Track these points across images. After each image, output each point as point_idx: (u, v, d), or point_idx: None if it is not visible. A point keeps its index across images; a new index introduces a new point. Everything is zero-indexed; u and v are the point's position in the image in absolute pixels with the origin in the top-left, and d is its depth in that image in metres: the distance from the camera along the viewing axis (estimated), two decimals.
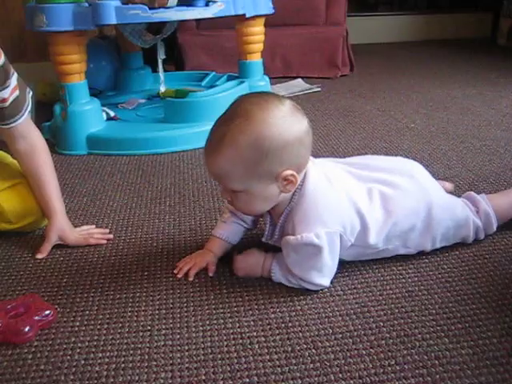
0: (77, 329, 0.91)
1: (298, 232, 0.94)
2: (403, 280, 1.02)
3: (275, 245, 1.04)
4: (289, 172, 0.91)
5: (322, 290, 0.98)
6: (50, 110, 1.94)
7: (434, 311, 0.93)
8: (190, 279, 1.04)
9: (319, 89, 2.58)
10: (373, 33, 3.92)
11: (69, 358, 0.85)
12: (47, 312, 0.92)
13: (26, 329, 0.88)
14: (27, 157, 1.20)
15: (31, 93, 1.22)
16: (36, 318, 0.91)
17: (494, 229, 1.14)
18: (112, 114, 1.96)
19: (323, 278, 0.97)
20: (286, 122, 0.89)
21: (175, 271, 1.07)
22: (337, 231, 0.96)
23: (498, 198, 1.19)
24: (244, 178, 0.91)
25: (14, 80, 1.14)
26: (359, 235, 1.00)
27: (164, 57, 2.16)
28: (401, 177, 1.06)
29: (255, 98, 0.93)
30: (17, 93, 1.15)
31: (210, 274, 1.05)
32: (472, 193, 1.18)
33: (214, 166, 0.93)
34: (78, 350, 0.86)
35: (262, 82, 2.10)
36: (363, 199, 1.01)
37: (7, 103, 1.13)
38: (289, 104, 0.92)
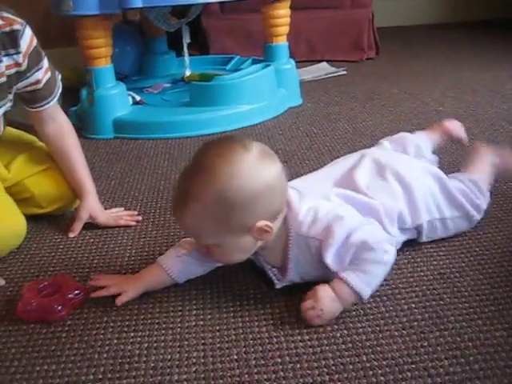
0: (109, 309, 0.92)
1: (329, 245, 0.87)
2: (434, 262, 1.01)
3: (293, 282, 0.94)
4: (262, 223, 0.84)
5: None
6: (75, 95, 1.95)
7: (466, 293, 0.92)
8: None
9: (345, 72, 2.56)
10: (398, 15, 3.85)
11: (102, 336, 0.86)
12: (78, 291, 0.94)
13: (59, 307, 0.89)
14: (57, 139, 1.21)
15: (60, 75, 1.23)
16: (68, 296, 0.92)
17: (486, 192, 1.13)
18: (138, 98, 1.96)
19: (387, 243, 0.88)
20: (252, 171, 0.83)
21: (91, 278, 0.99)
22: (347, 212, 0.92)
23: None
24: (215, 233, 0.85)
25: (45, 62, 1.15)
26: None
27: (189, 41, 2.16)
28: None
29: (218, 148, 0.86)
30: (49, 74, 1.16)
31: (118, 304, 0.92)
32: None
33: (182, 223, 0.89)
34: (111, 330, 0.87)
35: (287, 65, 2.08)
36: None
37: (41, 85, 1.14)
38: (255, 150, 0.84)
